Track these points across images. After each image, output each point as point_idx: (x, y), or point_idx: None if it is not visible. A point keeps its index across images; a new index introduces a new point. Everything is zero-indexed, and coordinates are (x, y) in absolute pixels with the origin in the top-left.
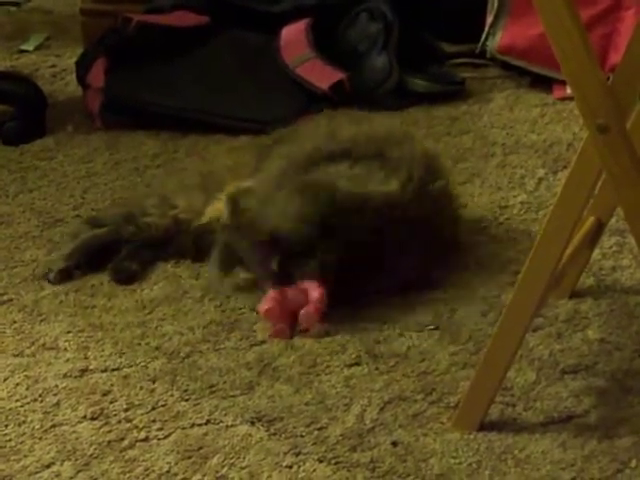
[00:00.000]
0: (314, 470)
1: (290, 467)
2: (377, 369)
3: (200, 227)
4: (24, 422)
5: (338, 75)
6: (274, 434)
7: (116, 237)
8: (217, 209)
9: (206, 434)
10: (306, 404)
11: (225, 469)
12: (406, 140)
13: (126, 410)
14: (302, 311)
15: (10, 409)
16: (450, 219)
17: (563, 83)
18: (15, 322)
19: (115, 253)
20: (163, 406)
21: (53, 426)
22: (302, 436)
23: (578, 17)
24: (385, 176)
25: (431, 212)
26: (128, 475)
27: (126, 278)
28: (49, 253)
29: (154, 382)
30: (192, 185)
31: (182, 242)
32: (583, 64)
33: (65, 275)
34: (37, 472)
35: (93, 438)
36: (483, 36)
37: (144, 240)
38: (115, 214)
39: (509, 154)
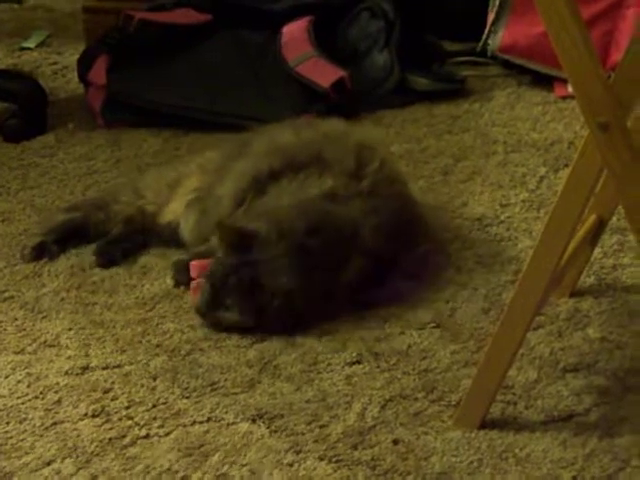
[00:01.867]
0: (315, 468)
1: (291, 465)
2: (378, 367)
3: (162, 224)
4: (25, 419)
5: (339, 73)
6: (275, 432)
7: (87, 221)
8: (173, 210)
9: (207, 432)
10: (307, 402)
11: (226, 467)
12: (341, 137)
13: (127, 408)
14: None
15: (11, 406)
16: (398, 195)
17: (564, 81)
18: (16, 319)
19: (84, 237)
20: (164, 404)
21: (54, 423)
22: (303, 434)
23: (579, 15)
24: (319, 177)
25: (379, 193)
26: (129, 472)
27: (109, 262)
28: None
29: (155, 380)
30: (165, 180)
31: (152, 235)
32: (584, 62)
33: (39, 251)
34: (38, 469)
35: (94, 435)
36: (484, 34)
37: (110, 227)
38: (88, 201)
39: (510, 152)
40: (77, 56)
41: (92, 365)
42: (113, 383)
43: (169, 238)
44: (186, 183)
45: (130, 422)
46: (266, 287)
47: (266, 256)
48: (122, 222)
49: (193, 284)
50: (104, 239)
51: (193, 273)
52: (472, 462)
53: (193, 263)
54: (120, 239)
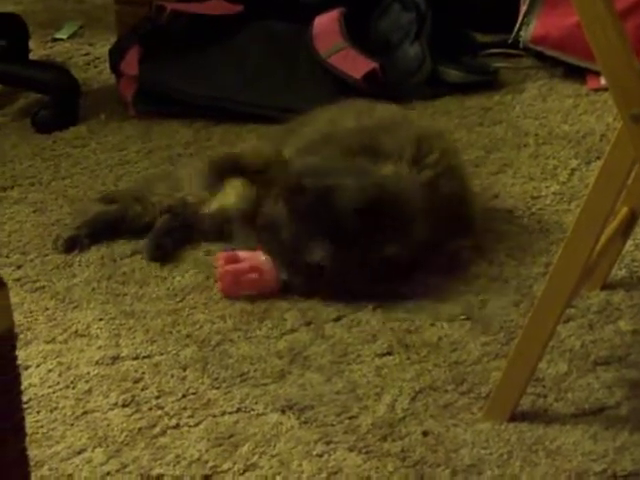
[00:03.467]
0: (344, 459)
1: (320, 456)
2: (408, 359)
3: (207, 215)
4: (56, 408)
5: (371, 65)
6: (305, 423)
7: (123, 214)
8: (225, 196)
9: (237, 422)
10: (337, 393)
11: (255, 457)
12: (399, 126)
13: (157, 397)
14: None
15: (42, 395)
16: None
17: (597, 74)
18: (47, 309)
19: (118, 230)
20: (194, 394)
21: (85, 413)
22: (333, 425)
23: (613, 7)
24: (374, 164)
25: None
26: (159, 462)
27: (162, 255)
28: None
29: (185, 370)
30: (204, 171)
31: (198, 226)
32: (618, 54)
33: (71, 244)
34: (69, 458)
35: (124, 425)
36: (517, 26)
37: (148, 221)
38: (124, 192)
39: (542, 144)
40: (109, 47)
41: (122, 355)
42: (143, 373)
43: (211, 229)
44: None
45: (160, 412)
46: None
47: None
48: (164, 213)
49: (219, 272)
50: (153, 232)
51: (219, 262)
52: (502, 454)
53: (220, 254)
54: (169, 231)
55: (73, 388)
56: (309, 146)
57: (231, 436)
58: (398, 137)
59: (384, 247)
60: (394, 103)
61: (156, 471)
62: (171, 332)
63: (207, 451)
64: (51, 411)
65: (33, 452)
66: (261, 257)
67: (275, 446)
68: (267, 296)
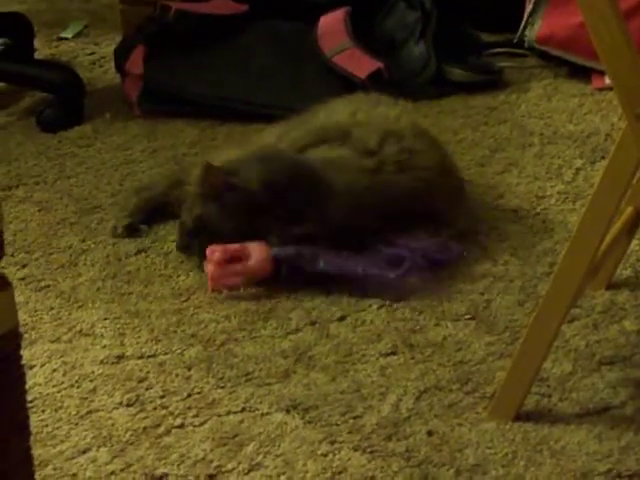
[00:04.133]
0: (349, 459)
1: (325, 455)
2: (413, 358)
3: None
4: (61, 408)
5: (376, 64)
6: (309, 422)
7: (167, 199)
8: None
9: (241, 422)
10: (341, 393)
11: (260, 457)
12: (382, 121)
13: (162, 397)
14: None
15: (47, 395)
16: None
17: (602, 73)
18: (52, 308)
19: (166, 215)
20: (199, 393)
21: (89, 412)
22: (337, 425)
23: (618, 7)
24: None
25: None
26: (163, 462)
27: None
28: (85, 240)
29: (190, 369)
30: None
31: None
32: (622, 53)
33: (131, 230)
34: (73, 457)
35: (129, 424)
36: (522, 25)
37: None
38: (163, 180)
39: (547, 144)
40: (114, 46)
41: (127, 354)
42: (148, 372)
43: None
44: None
45: (165, 411)
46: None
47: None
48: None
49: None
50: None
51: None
52: (506, 454)
53: (209, 249)
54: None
55: (78, 387)
56: (293, 137)
57: (236, 436)
58: (368, 130)
59: (293, 225)
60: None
61: (160, 470)
62: (176, 331)
63: (212, 451)
64: (56, 410)
65: (37, 451)
66: (250, 246)
67: (280, 446)
68: (272, 296)
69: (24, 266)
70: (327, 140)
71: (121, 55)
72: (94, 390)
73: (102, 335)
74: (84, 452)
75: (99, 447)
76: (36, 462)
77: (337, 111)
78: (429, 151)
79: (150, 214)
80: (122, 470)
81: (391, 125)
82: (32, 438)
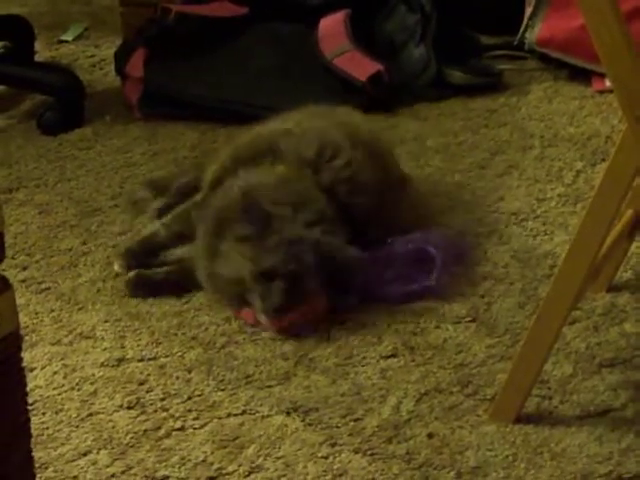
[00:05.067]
0: (349, 461)
1: (326, 458)
2: (413, 361)
3: None
4: (61, 410)
5: (376, 67)
6: (310, 425)
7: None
8: None
9: (242, 424)
10: (342, 395)
11: (261, 459)
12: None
13: (162, 399)
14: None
15: (48, 397)
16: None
17: (602, 76)
18: (53, 310)
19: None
20: (199, 396)
21: (90, 414)
22: (338, 427)
23: (618, 9)
24: (271, 164)
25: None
26: (164, 464)
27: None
28: (86, 242)
29: (190, 372)
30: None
31: None
32: (623, 56)
33: (159, 213)
34: (74, 460)
35: (129, 427)
36: (522, 28)
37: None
38: (180, 183)
39: (547, 147)
40: (114, 49)
41: (128, 357)
42: (148, 375)
43: None
44: None
45: (165, 414)
46: None
47: None
48: None
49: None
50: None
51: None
52: (507, 456)
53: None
54: None
55: (78, 390)
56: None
57: (236, 438)
58: (301, 142)
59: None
60: (399, 105)
61: (161, 473)
62: (176, 334)
63: (212, 453)
64: (56, 413)
65: (38, 454)
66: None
67: (280, 448)
68: None
69: (25, 268)
70: (256, 156)
71: (121, 58)
72: (95, 393)
73: (102, 338)
74: (85, 455)
75: (100, 450)
76: (37, 464)
77: (280, 123)
78: (366, 163)
79: (178, 201)
80: (123, 473)
81: (327, 136)
82: (33, 440)
